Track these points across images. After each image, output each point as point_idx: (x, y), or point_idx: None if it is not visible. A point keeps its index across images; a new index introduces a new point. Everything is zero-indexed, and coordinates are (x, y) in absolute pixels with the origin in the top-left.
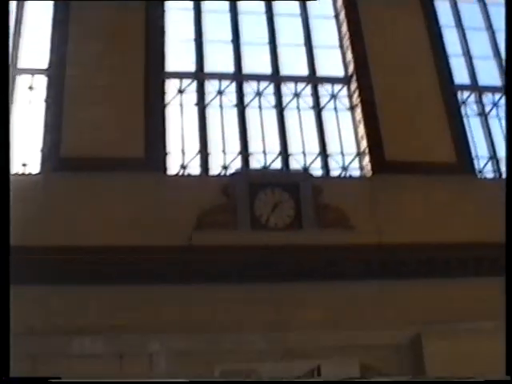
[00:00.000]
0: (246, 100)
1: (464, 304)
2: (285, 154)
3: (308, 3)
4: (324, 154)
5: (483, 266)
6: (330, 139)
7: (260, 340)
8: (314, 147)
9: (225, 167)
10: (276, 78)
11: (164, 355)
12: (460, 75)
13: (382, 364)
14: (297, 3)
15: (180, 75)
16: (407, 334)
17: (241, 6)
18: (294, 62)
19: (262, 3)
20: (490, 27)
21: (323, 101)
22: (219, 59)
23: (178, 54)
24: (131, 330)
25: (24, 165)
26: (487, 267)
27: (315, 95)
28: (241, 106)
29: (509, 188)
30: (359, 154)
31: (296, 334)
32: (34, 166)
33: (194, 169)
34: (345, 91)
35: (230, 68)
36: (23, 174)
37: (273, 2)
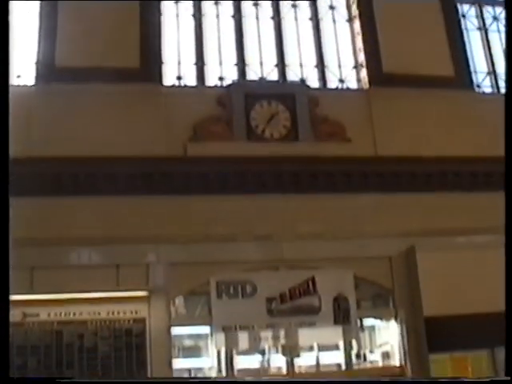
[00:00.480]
0: (244, 10)
1: (459, 217)
2: (282, 65)
3: None
4: (321, 65)
5: (479, 180)
6: (328, 51)
7: (256, 251)
8: (311, 59)
9: (221, 78)
10: None
11: (160, 266)
12: None
13: (376, 276)
14: None
15: None
16: (402, 247)
17: None
18: None
19: None
20: None
21: (321, 12)
22: None
23: None
24: (128, 241)
25: (18, 76)
26: (483, 181)
27: (313, 6)
28: (238, 17)
29: (508, 103)
30: (357, 66)
31: (291, 245)
32: (29, 78)
33: (190, 80)
34: (343, 2)
35: None
36: (18, 86)
37: None
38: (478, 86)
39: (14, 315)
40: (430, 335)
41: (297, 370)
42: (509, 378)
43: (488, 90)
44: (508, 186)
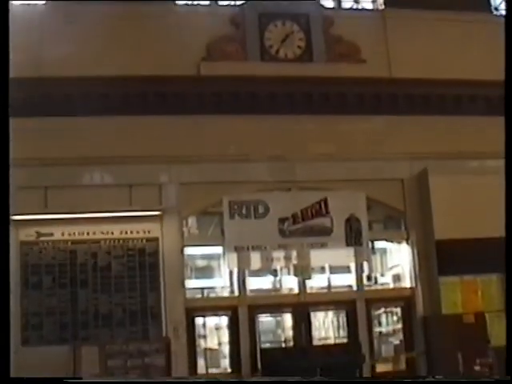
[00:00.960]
0: None
1: (473, 141)
2: None
3: None
4: None
5: (494, 104)
6: None
7: (268, 171)
8: None
9: None
10: None
11: (173, 186)
12: None
13: (388, 198)
14: None
15: None
16: (414, 169)
17: None
18: None
19: None
20: None
21: None
22: None
23: None
24: (140, 161)
25: None
26: (498, 105)
27: None
28: None
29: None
30: None
31: (304, 165)
32: None
33: None
34: None
35: None
36: (29, 4)
37: None
38: (496, 9)
39: (28, 235)
40: (441, 258)
41: (308, 290)
42: (509, 378)
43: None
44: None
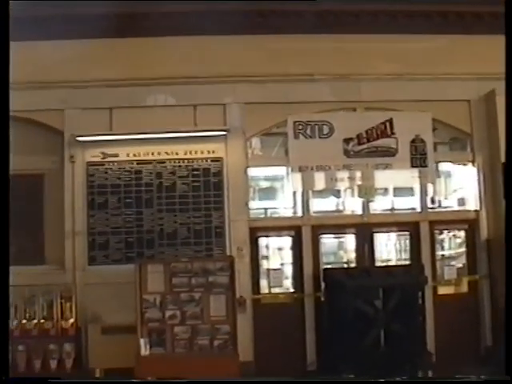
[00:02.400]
0: None
1: None
2: None
3: None
4: None
5: None
6: None
7: (333, 91)
8: None
9: None
10: None
11: (237, 106)
12: None
13: (454, 119)
14: None
15: None
16: (482, 90)
17: None
18: None
19: None
20: None
21: None
22: None
23: None
24: (205, 81)
25: None
26: None
27: None
28: None
29: None
30: None
31: (369, 85)
32: None
33: None
34: None
35: None
36: None
37: None
38: None
39: (94, 155)
40: (507, 181)
41: (371, 212)
42: (509, 378)
43: None
44: None
